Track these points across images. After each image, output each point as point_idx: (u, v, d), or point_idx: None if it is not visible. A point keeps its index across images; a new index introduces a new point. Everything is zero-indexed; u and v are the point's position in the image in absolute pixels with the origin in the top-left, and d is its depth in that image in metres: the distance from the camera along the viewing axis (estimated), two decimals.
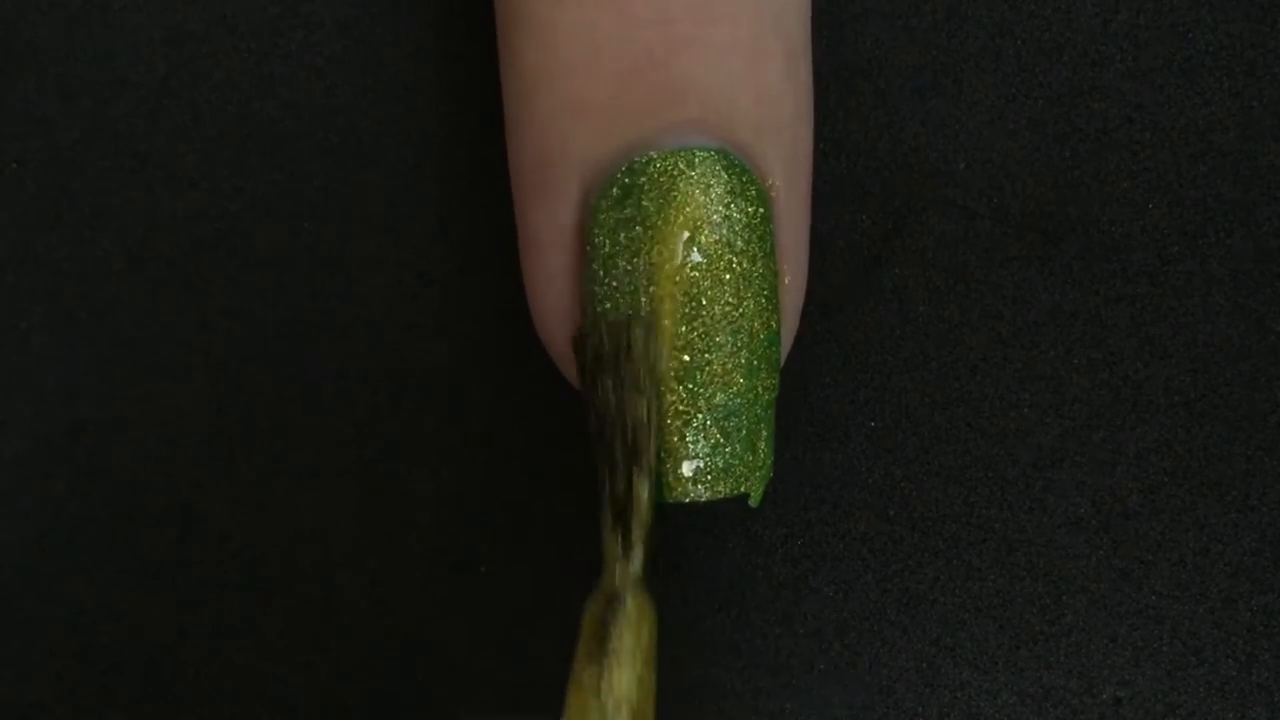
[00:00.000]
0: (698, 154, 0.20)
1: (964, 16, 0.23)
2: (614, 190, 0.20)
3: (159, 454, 0.23)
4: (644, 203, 0.20)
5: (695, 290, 0.20)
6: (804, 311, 0.23)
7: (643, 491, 0.19)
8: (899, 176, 0.23)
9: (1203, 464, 0.23)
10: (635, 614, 0.19)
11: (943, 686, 0.23)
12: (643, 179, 0.20)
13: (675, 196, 0.20)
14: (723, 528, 0.23)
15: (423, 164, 0.23)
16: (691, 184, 0.20)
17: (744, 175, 0.20)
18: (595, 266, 0.20)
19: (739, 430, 0.20)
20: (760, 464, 0.20)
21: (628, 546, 0.19)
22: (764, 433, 0.20)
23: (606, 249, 0.20)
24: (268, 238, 0.23)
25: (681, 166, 0.20)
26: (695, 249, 0.20)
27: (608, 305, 0.20)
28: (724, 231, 0.20)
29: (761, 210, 0.20)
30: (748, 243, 0.20)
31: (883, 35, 0.23)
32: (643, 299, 0.20)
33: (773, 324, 0.20)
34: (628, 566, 0.19)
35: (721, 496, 0.20)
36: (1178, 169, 0.23)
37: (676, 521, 0.23)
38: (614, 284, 0.20)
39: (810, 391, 0.23)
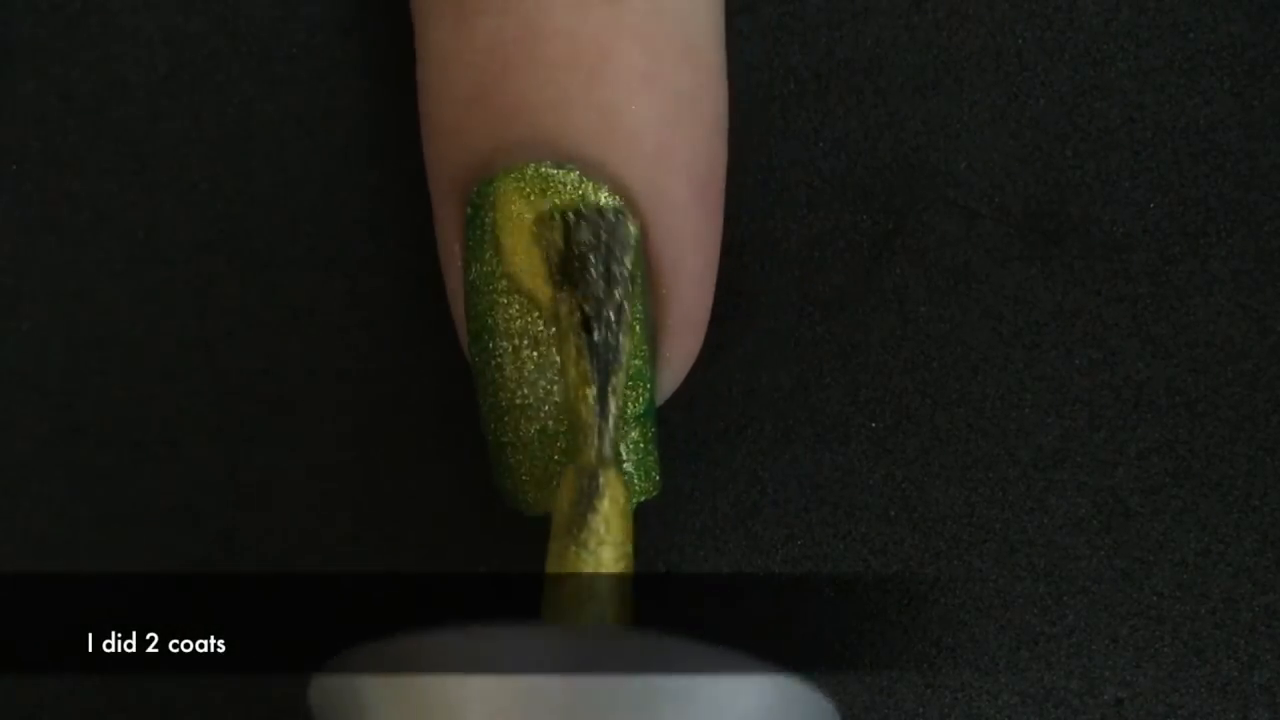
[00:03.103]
0: (528, 172, 0.20)
1: (964, 16, 0.23)
2: (468, 210, 0.20)
3: (159, 454, 0.23)
4: (487, 222, 0.20)
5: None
6: (804, 311, 0.23)
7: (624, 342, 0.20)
8: (899, 176, 0.23)
9: (1204, 464, 0.23)
10: (615, 486, 0.19)
11: (943, 686, 0.23)
12: (487, 199, 0.20)
13: (511, 214, 0.20)
14: (723, 528, 0.23)
15: (423, 164, 0.23)
16: (525, 202, 0.20)
17: (580, 190, 0.20)
18: (468, 284, 0.20)
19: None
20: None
21: (604, 407, 0.19)
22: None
23: (472, 269, 0.20)
24: (268, 238, 0.23)
25: (514, 185, 0.20)
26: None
27: (476, 324, 0.20)
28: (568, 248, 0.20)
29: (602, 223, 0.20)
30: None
31: (883, 35, 0.23)
32: (499, 322, 0.20)
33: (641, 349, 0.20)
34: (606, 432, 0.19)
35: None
36: (1179, 169, 0.23)
37: (676, 522, 0.23)
38: (481, 305, 0.20)
39: (810, 391, 0.23)
